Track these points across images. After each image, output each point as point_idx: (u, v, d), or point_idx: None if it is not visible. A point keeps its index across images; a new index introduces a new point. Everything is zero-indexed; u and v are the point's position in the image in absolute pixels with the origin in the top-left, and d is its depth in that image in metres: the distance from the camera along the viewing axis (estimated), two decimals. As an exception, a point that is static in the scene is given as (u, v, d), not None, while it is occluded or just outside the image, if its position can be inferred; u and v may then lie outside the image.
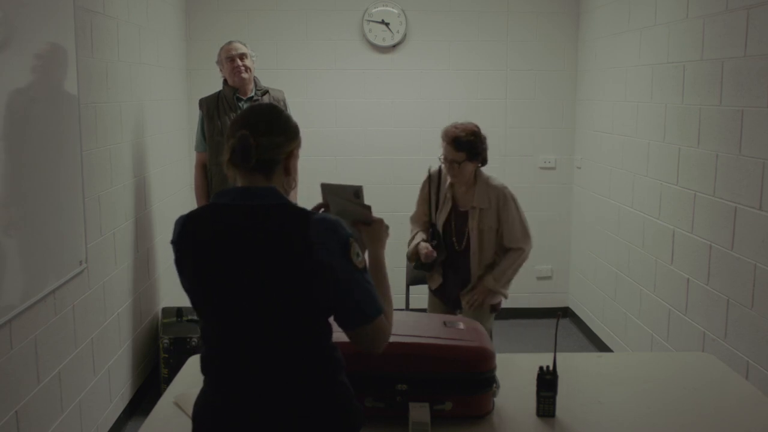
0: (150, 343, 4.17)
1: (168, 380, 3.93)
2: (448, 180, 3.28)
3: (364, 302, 1.59)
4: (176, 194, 4.86)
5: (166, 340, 3.97)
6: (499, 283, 3.26)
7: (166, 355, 3.96)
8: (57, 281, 2.86)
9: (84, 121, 3.13)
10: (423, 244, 3.31)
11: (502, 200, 3.22)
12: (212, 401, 1.66)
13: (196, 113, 4.96)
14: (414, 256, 3.38)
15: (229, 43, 4.09)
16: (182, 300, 4.77)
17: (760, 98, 2.96)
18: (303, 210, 1.60)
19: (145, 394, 3.99)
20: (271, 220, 1.57)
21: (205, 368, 1.68)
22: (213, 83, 4.48)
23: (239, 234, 1.57)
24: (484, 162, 3.26)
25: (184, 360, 2.67)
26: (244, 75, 4.00)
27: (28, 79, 2.67)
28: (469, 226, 3.26)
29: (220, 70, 4.13)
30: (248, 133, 1.60)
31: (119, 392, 3.65)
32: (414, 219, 3.52)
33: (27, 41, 2.64)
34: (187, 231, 1.63)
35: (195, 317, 4.24)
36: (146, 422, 2.08)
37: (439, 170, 3.35)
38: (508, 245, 3.25)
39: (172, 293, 4.62)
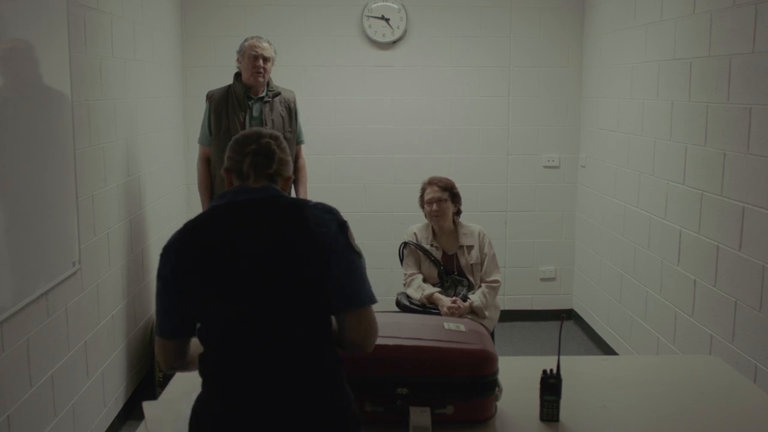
0: (145, 345, 4.12)
1: (163, 384, 3.89)
2: (426, 238, 3.74)
3: (360, 285, 1.63)
4: (171, 193, 4.80)
5: (162, 342, 3.91)
6: (483, 308, 3.61)
7: (162, 358, 3.90)
8: (49, 282, 2.81)
9: (77, 118, 3.08)
10: (445, 301, 3.57)
11: (483, 237, 3.73)
12: (213, 403, 1.63)
13: (192, 110, 4.94)
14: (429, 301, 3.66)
15: (259, 39, 3.98)
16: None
17: (770, 94, 2.91)
18: (300, 199, 1.72)
19: (140, 398, 3.93)
20: (271, 212, 1.62)
21: (205, 371, 1.65)
22: (209, 80, 4.43)
23: (244, 231, 1.60)
24: (459, 211, 3.78)
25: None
26: (261, 78, 3.94)
27: (20, 75, 2.62)
28: (462, 264, 3.70)
29: (237, 61, 4.02)
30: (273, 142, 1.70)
31: (113, 396, 3.60)
32: (409, 273, 3.78)
33: (18, 37, 2.58)
34: (191, 236, 1.63)
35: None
36: (141, 426, 2.04)
37: (415, 237, 3.77)
38: (487, 278, 3.68)
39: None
